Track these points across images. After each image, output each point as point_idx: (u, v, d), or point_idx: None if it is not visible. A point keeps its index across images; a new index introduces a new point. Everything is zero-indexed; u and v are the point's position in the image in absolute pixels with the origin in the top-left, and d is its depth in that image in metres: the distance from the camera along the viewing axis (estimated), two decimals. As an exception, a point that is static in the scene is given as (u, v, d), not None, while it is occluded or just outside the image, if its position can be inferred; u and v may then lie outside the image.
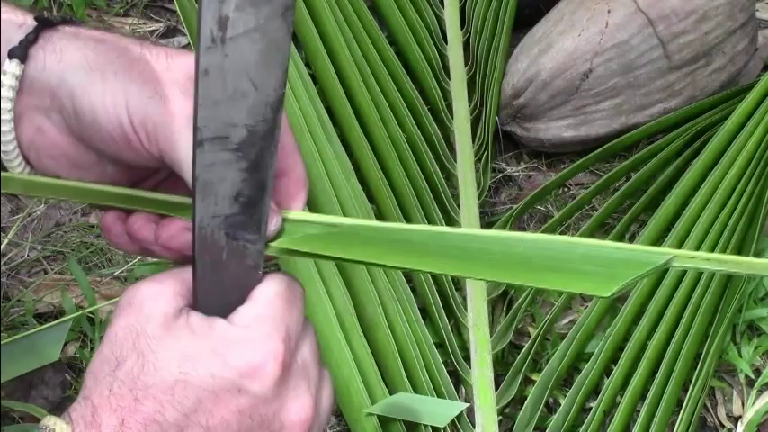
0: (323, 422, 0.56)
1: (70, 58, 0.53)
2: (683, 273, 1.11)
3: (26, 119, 0.55)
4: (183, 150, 0.51)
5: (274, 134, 0.49)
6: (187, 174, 0.51)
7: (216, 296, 0.53)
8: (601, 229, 1.22)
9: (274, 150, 0.49)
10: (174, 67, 0.53)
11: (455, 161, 1.24)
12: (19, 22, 0.54)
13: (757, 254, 1.15)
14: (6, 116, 0.54)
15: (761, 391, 1.08)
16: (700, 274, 1.10)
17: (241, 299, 0.53)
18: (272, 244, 0.54)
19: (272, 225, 0.53)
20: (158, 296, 0.52)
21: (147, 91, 0.52)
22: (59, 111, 0.54)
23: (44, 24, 0.54)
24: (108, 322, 0.52)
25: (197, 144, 0.48)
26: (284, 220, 0.54)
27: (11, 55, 0.53)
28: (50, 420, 0.51)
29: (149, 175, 0.58)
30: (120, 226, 0.56)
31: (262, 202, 0.51)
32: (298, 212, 0.55)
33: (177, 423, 0.50)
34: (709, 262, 0.50)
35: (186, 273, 0.53)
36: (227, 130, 0.48)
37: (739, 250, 1.14)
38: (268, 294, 0.53)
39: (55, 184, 0.56)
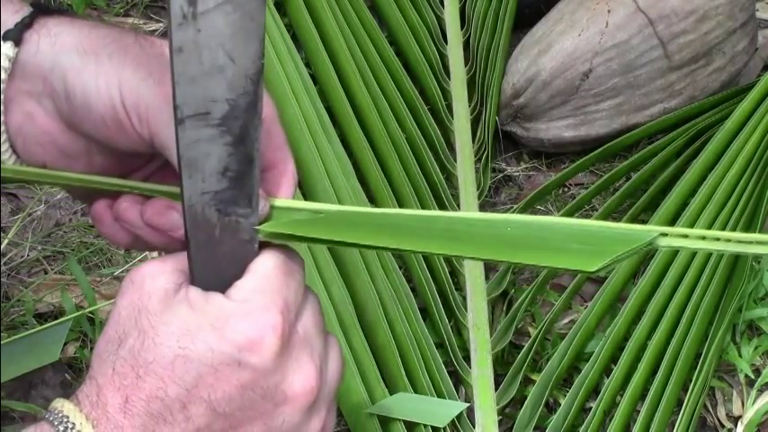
0: (332, 389, 0.55)
1: (64, 42, 0.53)
2: (683, 272, 1.11)
3: (16, 104, 0.54)
4: (172, 135, 0.51)
5: (257, 106, 0.48)
6: (175, 162, 0.51)
7: (213, 272, 0.52)
8: (601, 229, 1.22)
9: (258, 123, 0.49)
10: (167, 52, 0.53)
11: (455, 161, 1.24)
12: (15, 9, 0.54)
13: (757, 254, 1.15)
14: None
15: (761, 391, 1.08)
16: (700, 273, 1.10)
17: (239, 273, 0.53)
18: (259, 227, 0.54)
19: (259, 209, 0.53)
20: (159, 273, 0.52)
21: (141, 73, 0.52)
22: (51, 95, 0.54)
23: (40, 10, 0.54)
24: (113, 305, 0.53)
25: (178, 122, 0.47)
26: (272, 207, 0.54)
27: (5, 37, 0.53)
28: (59, 403, 0.51)
29: (137, 167, 0.58)
30: (109, 214, 0.55)
31: (250, 175, 0.50)
32: (285, 200, 0.55)
33: (179, 398, 0.50)
34: (705, 241, 0.48)
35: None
36: (208, 105, 0.47)
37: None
38: (265, 267, 0.53)
39: (43, 173, 0.55)
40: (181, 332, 0.50)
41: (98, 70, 0.52)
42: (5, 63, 0.53)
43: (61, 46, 0.53)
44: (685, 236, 0.49)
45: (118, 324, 0.51)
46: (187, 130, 0.48)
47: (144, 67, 0.52)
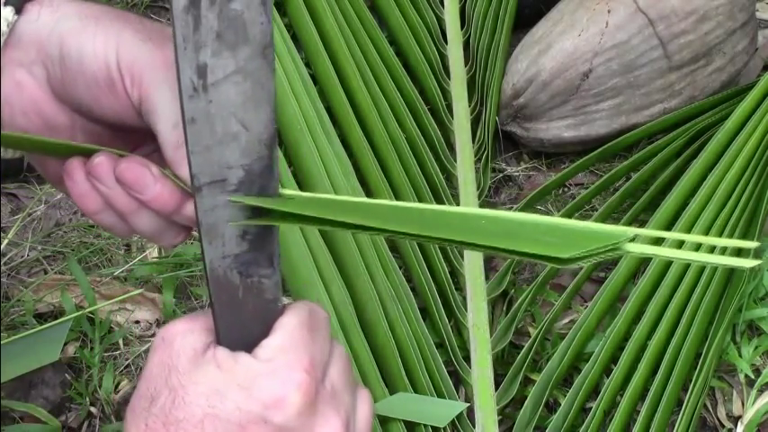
0: None
1: (66, 10, 0.53)
2: (684, 272, 1.11)
3: (6, 74, 0.54)
4: (163, 97, 0.51)
5: (272, 169, 0.49)
6: (161, 125, 0.51)
7: (238, 332, 0.53)
8: (601, 229, 1.22)
9: (275, 184, 0.49)
10: (163, 27, 0.53)
11: (455, 161, 1.24)
12: None
13: (757, 254, 1.15)
14: None
15: (761, 391, 1.08)
16: (700, 273, 1.10)
17: (264, 332, 0.53)
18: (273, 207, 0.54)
19: None
20: (188, 332, 0.53)
21: (141, 36, 0.52)
22: (44, 62, 0.53)
23: None
24: (145, 360, 0.55)
25: (195, 190, 0.48)
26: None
27: (7, 2, 0.53)
28: None
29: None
30: (82, 170, 0.54)
31: (270, 235, 0.51)
32: (287, 191, 0.55)
33: None
34: (679, 251, 0.48)
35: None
36: (224, 172, 0.48)
37: (739, 250, 1.14)
38: (290, 325, 0.53)
39: (24, 138, 0.55)
40: (210, 391, 0.51)
41: (97, 30, 0.52)
42: (4, 27, 0.53)
43: (62, 13, 0.53)
44: (681, 242, 0.48)
45: (150, 381, 0.52)
46: (204, 197, 0.48)
47: (144, 33, 0.52)
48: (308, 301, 0.56)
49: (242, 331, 0.53)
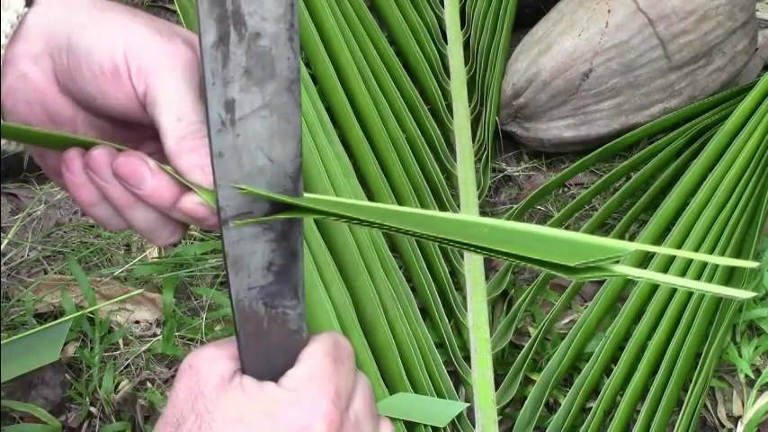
0: None
1: (77, 5, 0.53)
2: (684, 272, 1.11)
3: (11, 66, 0.54)
4: (168, 89, 0.51)
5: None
6: (164, 116, 0.51)
7: (263, 361, 0.54)
8: (601, 229, 1.22)
9: (300, 218, 0.50)
10: (171, 24, 0.54)
11: (455, 161, 1.24)
12: None
13: (757, 254, 1.15)
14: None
15: (761, 391, 1.08)
16: (700, 273, 1.10)
17: (289, 362, 0.54)
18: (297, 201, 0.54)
19: None
20: (215, 359, 0.54)
21: (151, 29, 0.52)
22: (51, 53, 0.53)
23: None
24: (171, 387, 0.56)
25: (222, 223, 0.49)
26: None
27: None
28: None
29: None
30: (80, 161, 0.54)
31: (295, 267, 0.52)
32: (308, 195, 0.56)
33: None
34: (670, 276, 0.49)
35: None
36: (250, 205, 0.49)
37: (739, 250, 1.14)
38: (315, 355, 0.54)
39: (22, 129, 0.55)
40: (236, 419, 0.52)
41: (106, 22, 0.52)
42: (14, 18, 0.53)
43: (73, 6, 0.53)
44: (679, 246, 0.48)
45: (176, 407, 0.53)
46: (231, 230, 0.49)
47: (153, 26, 0.53)
48: (333, 332, 0.56)
49: (267, 361, 0.54)
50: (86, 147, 0.54)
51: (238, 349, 0.54)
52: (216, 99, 0.45)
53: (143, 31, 0.52)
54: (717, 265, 1.11)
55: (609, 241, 0.47)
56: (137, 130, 0.56)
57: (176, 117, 0.51)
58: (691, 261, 1.12)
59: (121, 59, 0.52)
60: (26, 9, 0.53)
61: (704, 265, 1.11)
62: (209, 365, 0.53)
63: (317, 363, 0.54)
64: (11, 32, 0.53)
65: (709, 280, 1.10)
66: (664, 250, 0.47)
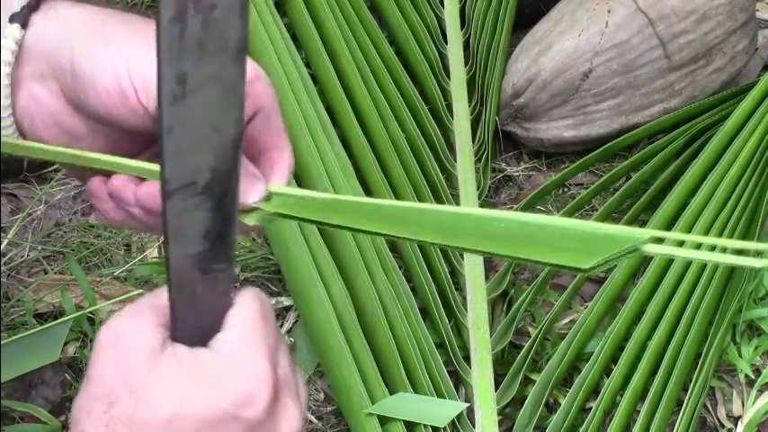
0: (304, 415, 0.57)
1: (72, 20, 0.53)
2: (684, 272, 1.11)
3: (22, 86, 0.55)
4: None
5: (237, 168, 0.50)
6: None
7: (194, 326, 0.53)
8: (601, 229, 1.22)
9: (236, 183, 0.50)
10: None
11: (455, 161, 1.24)
12: None
13: (757, 254, 1.15)
14: (5, 80, 0.54)
15: (761, 391, 1.08)
16: (700, 273, 1.10)
17: (217, 324, 0.53)
18: (262, 206, 0.54)
19: (255, 194, 0.54)
20: (139, 331, 0.52)
21: (148, 49, 0.52)
22: (56, 75, 0.54)
23: None
24: (90, 360, 0.52)
25: (165, 195, 0.48)
26: (268, 192, 0.55)
27: (12, 20, 0.53)
28: None
29: (140, 150, 0.58)
30: (104, 189, 0.55)
31: (229, 232, 0.51)
32: (280, 186, 0.55)
33: None
34: (697, 251, 0.49)
35: (157, 300, 0.54)
36: (194, 176, 0.48)
37: (739, 250, 1.14)
38: (245, 316, 0.53)
39: (42, 148, 0.56)
40: (176, 391, 0.50)
41: (105, 43, 0.52)
42: (13, 46, 0.54)
43: (69, 25, 0.53)
44: (681, 242, 0.49)
45: (103, 383, 0.51)
46: (174, 201, 0.49)
47: (151, 41, 0.52)
48: (254, 289, 0.55)
49: (197, 326, 0.53)
50: (107, 173, 0.55)
51: (171, 316, 0.53)
52: (170, 73, 0.45)
53: (143, 51, 0.52)
54: (718, 263, 1.11)
55: (623, 230, 0.47)
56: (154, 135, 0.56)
57: None
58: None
59: (127, 83, 0.52)
60: (23, 32, 0.53)
61: (705, 263, 1.11)
62: (135, 338, 0.51)
63: (248, 324, 0.53)
64: (13, 59, 0.54)
65: (710, 278, 1.10)
66: (674, 236, 0.47)
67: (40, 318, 1.11)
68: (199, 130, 0.47)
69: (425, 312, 1.09)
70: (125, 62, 0.52)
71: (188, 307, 0.53)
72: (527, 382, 1.06)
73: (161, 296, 0.53)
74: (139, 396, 0.50)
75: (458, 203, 1.19)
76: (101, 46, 0.52)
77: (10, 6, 0.54)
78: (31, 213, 1.21)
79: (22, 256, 1.17)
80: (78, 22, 0.53)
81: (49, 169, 1.25)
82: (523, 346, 1.07)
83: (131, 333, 0.52)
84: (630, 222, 1.20)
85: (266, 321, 0.54)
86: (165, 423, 0.50)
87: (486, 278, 1.14)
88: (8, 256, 1.17)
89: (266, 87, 0.55)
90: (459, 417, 1.00)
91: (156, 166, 0.55)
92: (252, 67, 0.55)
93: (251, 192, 0.54)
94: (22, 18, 0.53)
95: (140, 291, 1.12)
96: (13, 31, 0.53)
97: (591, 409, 1.02)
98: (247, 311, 0.53)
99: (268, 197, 0.55)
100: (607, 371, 1.07)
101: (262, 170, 0.55)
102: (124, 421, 0.50)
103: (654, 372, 1.04)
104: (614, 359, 1.06)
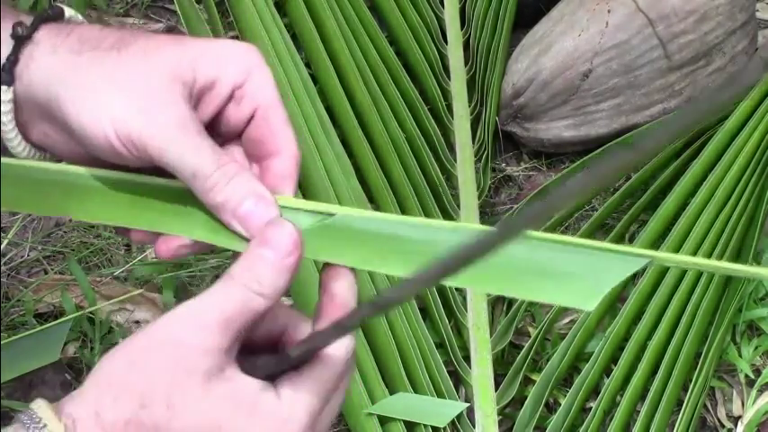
0: None
1: (51, 75, 0.53)
2: (683, 273, 1.10)
3: (32, 126, 0.55)
4: (176, 156, 0.51)
5: None
6: (185, 172, 0.51)
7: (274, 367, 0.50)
8: (601, 229, 1.22)
9: None
10: (152, 70, 0.52)
11: (455, 161, 1.24)
12: (4, 37, 0.54)
13: (757, 254, 1.15)
14: (9, 126, 0.55)
15: (761, 391, 1.08)
16: (699, 274, 1.10)
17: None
18: None
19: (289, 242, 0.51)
20: (204, 351, 0.48)
21: (129, 107, 0.51)
22: (48, 120, 0.54)
23: (21, 41, 0.54)
24: (130, 345, 0.49)
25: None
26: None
27: None
28: (38, 407, 0.50)
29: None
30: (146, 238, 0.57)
31: None
32: (290, 199, 0.54)
33: None
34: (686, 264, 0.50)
35: (229, 313, 0.48)
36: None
37: (739, 250, 1.14)
38: (336, 361, 0.50)
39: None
40: (214, 427, 0.48)
41: (87, 106, 0.52)
42: (7, 107, 0.54)
43: (49, 80, 0.53)
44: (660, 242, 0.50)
45: (144, 380, 0.48)
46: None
47: (132, 95, 0.52)
48: (351, 340, 0.51)
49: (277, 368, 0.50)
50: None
51: (261, 356, 0.50)
52: None
53: (124, 111, 0.51)
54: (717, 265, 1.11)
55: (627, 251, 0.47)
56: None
57: (191, 175, 0.51)
58: (695, 254, 1.11)
59: (117, 143, 0.51)
60: (10, 89, 0.53)
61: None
62: (197, 358, 0.47)
63: (324, 380, 0.50)
64: (11, 117, 0.54)
65: (709, 279, 1.10)
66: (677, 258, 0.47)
67: (40, 318, 1.11)
68: None
69: (425, 312, 1.09)
70: (109, 120, 0.51)
71: (288, 361, 0.49)
72: (527, 382, 1.06)
73: (232, 308, 0.49)
74: (176, 412, 0.47)
75: (458, 203, 1.19)
76: (84, 108, 0.52)
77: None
78: (31, 213, 1.21)
79: (22, 256, 1.17)
80: (60, 82, 0.52)
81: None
82: (523, 346, 1.07)
83: (194, 348, 0.48)
84: (630, 222, 1.20)
85: (343, 380, 0.51)
86: None
87: (486, 278, 1.13)
88: (8, 256, 1.17)
89: (264, 80, 0.54)
90: (459, 417, 1.00)
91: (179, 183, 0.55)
92: (246, 59, 0.54)
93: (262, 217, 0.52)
94: (7, 76, 0.53)
95: (140, 291, 1.12)
96: (3, 94, 0.54)
97: (591, 409, 1.02)
98: (337, 365, 0.50)
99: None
100: (607, 371, 1.07)
101: (269, 181, 0.54)
102: (148, 427, 0.47)
103: (654, 372, 1.04)
104: (614, 359, 1.06)
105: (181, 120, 0.51)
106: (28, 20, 0.54)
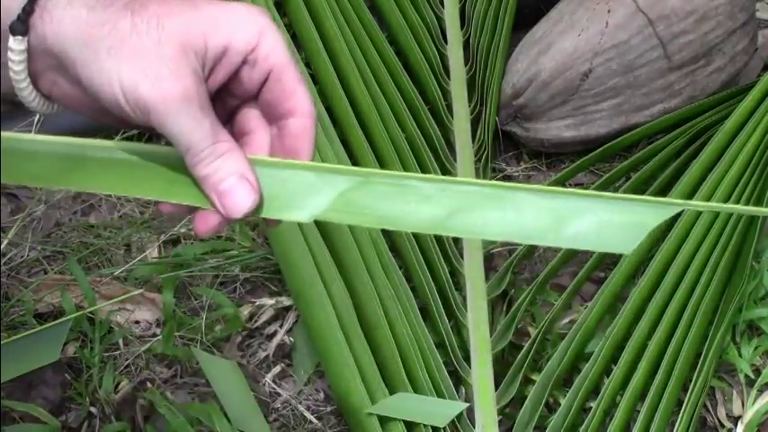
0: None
1: (66, 31, 0.54)
2: (683, 272, 1.11)
3: (43, 76, 0.57)
4: (175, 128, 0.53)
5: None
6: (181, 144, 0.54)
7: None
8: (601, 229, 1.22)
9: None
10: (164, 38, 0.53)
11: (455, 161, 1.24)
12: None
13: (757, 254, 1.15)
14: (21, 76, 0.56)
15: (761, 391, 1.08)
16: (700, 273, 1.10)
17: None
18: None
19: (249, 203, 0.55)
20: None
21: (138, 71, 0.53)
22: (63, 69, 0.56)
23: None
24: None
25: None
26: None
27: (14, 31, 0.54)
28: None
29: None
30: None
31: None
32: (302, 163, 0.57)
33: None
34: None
35: None
36: None
37: (739, 250, 1.14)
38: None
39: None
40: None
41: (99, 67, 0.53)
42: (20, 57, 0.55)
43: (64, 36, 0.54)
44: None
45: None
46: None
47: (142, 63, 0.53)
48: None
49: None
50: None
51: None
52: None
53: (132, 76, 0.53)
54: (719, 262, 1.11)
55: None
56: None
57: (185, 148, 0.54)
58: (695, 254, 1.11)
59: (126, 106, 0.53)
60: (24, 39, 0.55)
61: (705, 263, 1.11)
62: None
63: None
64: (24, 66, 0.56)
65: (709, 278, 1.10)
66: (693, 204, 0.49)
67: (40, 318, 1.11)
68: None
69: (425, 312, 1.09)
70: (120, 87, 0.53)
71: None
72: (527, 382, 1.06)
73: None
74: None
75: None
76: (96, 69, 0.53)
77: (9, 10, 0.54)
78: (31, 213, 1.21)
79: (22, 256, 1.17)
80: (73, 38, 0.54)
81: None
82: (523, 346, 1.07)
83: None
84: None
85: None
86: None
87: (486, 278, 1.14)
88: (8, 256, 1.17)
89: (275, 42, 0.56)
90: (459, 417, 1.00)
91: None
92: (256, 23, 0.56)
93: (242, 204, 0.56)
94: (22, 27, 0.54)
95: (140, 291, 1.12)
96: (17, 44, 0.54)
97: (591, 409, 1.02)
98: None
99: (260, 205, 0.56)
100: (607, 371, 1.07)
101: (288, 142, 0.58)
102: None
103: (654, 372, 1.04)
104: (614, 359, 1.06)
105: (186, 93, 0.53)
106: None
